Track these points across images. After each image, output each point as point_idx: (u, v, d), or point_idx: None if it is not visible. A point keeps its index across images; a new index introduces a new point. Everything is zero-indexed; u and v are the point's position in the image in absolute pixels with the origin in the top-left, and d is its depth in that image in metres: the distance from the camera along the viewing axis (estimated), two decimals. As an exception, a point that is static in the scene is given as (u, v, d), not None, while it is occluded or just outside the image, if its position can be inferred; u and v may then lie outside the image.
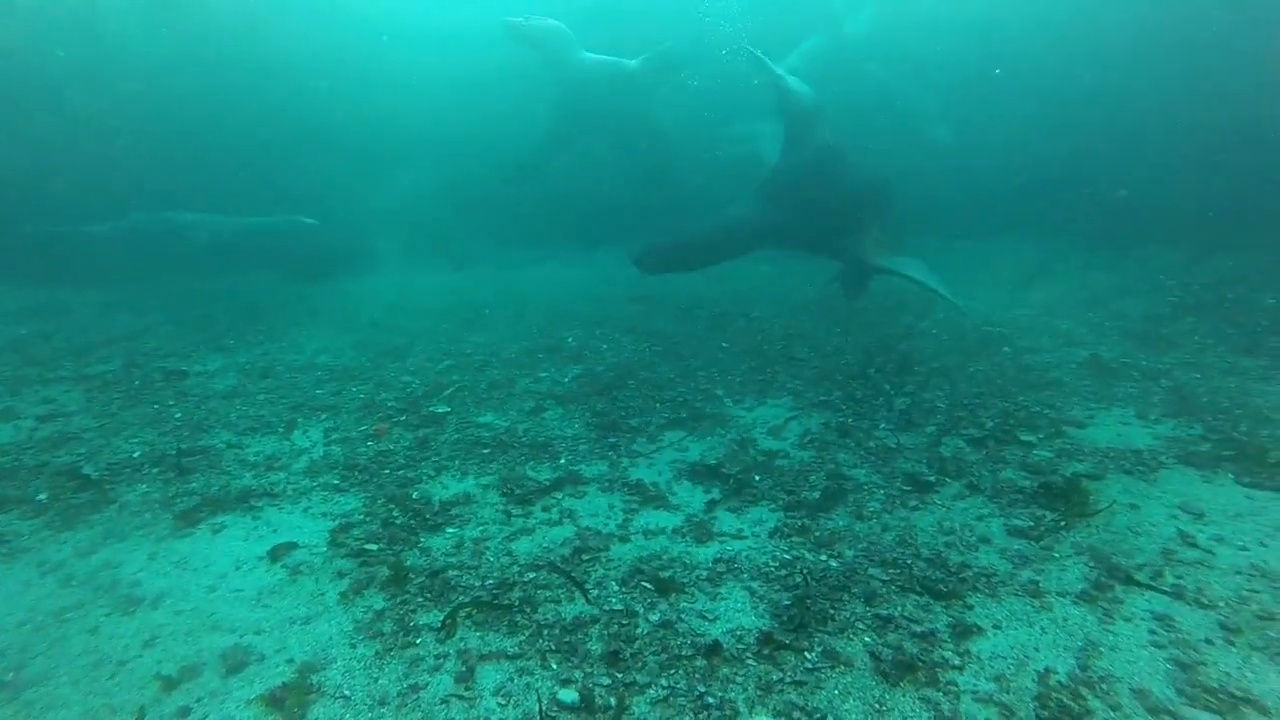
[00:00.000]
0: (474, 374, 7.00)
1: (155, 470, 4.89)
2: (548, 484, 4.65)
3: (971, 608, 3.23)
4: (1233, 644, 2.92)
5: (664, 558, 3.77)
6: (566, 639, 3.10)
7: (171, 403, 6.21)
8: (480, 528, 4.13)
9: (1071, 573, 3.43)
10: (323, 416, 5.91)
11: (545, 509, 4.37)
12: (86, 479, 4.72)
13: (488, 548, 3.88)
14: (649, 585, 3.50)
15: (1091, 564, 3.48)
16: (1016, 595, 3.31)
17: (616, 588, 3.50)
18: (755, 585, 3.48)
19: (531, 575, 3.60)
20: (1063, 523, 3.82)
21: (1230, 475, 4.21)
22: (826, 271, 8.65)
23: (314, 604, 3.42)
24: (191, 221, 11.84)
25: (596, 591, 3.46)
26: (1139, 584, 3.31)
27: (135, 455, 5.12)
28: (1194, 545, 3.59)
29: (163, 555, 3.89)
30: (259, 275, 12.10)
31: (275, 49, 13.03)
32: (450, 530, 4.09)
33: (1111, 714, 2.61)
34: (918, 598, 3.31)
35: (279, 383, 6.78)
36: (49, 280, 10.74)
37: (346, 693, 2.83)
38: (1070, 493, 4.03)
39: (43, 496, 4.52)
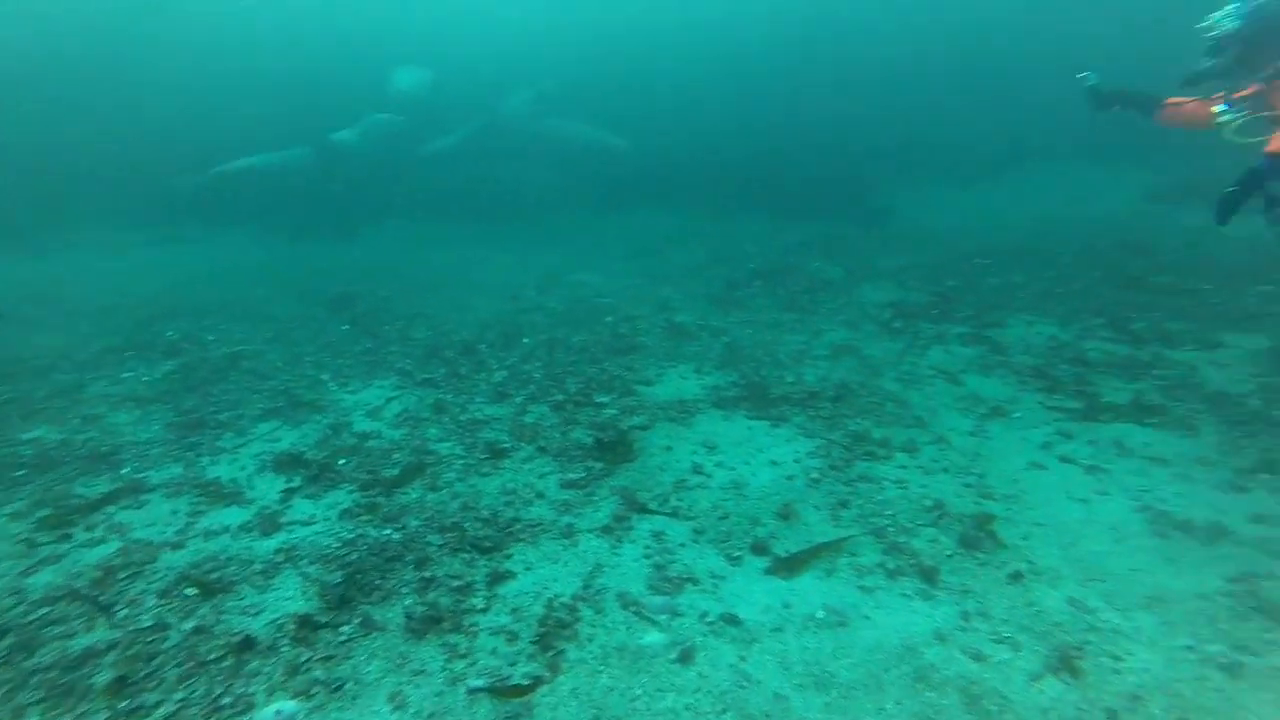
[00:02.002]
0: (30, 383, 5.95)
1: None
2: (98, 499, 4.19)
3: (510, 556, 3.66)
4: (698, 543, 3.72)
5: (221, 558, 3.65)
6: (64, 680, 2.85)
7: None
8: (-11, 565, 3.59)
9: (602, 511, 4.05)
10: None
11: (88, 528, 3.94)
12: None
13: (-12, 590, 3.39)
14: (193, 591, 3.38)
15: (620, 501, 4.14)
16: (554, 539, 3.82)
17: (153, 602, 3.31)
18: (312, 570, 3.55)
19: (43, 611, 3.25)
20: (607, 470, 4.47)
21: (743, 412, 5.27)
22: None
23: None
24: None
25: (126, 611, 3.25)
26: (650, 511, 4.04)
27: None
28: (701, 473, 4.45)
29: None
30: None
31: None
32: (-56, 575, 3.49)
33: (595, 616, 3.19)
34: (466, 556, 3.66)
35: None
36: None
37: None
38: (619, 443, 4.73)
39: None
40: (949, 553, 3.51)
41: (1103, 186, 13.61)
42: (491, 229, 12.86)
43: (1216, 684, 2.68)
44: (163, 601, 3.32)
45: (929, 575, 3.33)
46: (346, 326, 7.37)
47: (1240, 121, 3.98)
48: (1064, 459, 4.39)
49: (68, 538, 3.87)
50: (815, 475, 4.31)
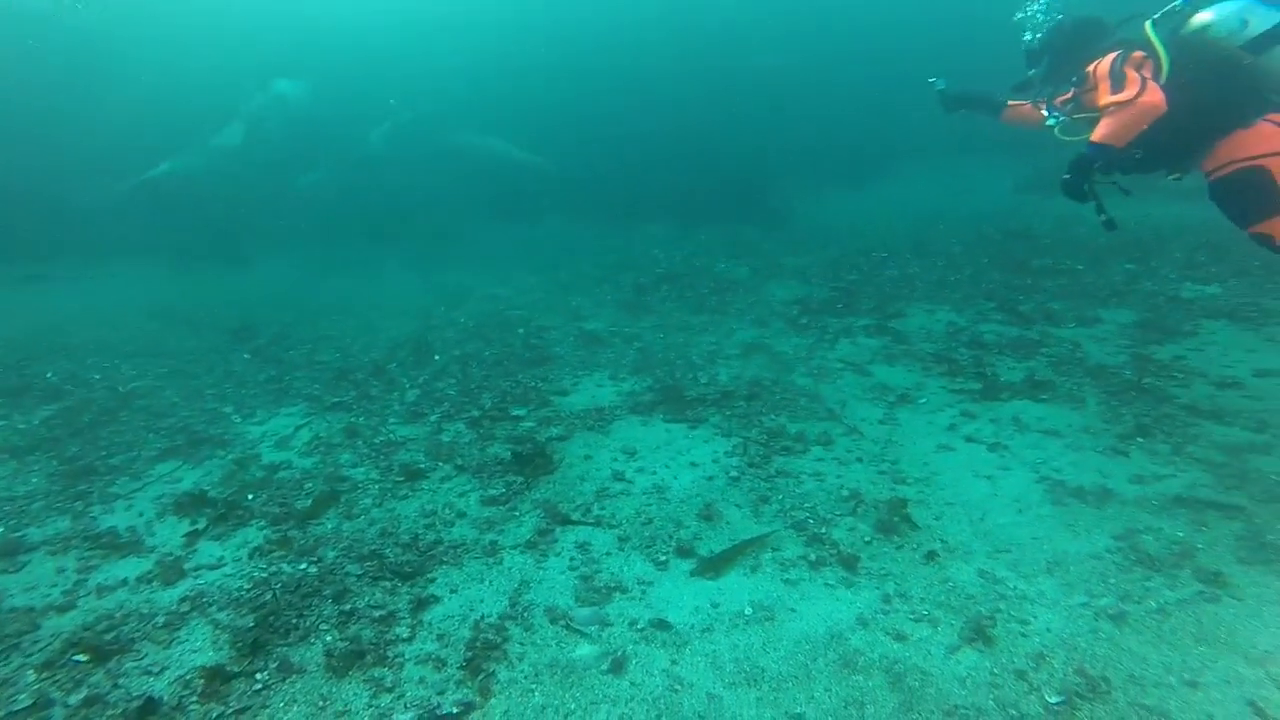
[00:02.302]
0: (-121, 440, 5.38)
1: None
2: (-33, 565, 3.83)
3: (434, 580, 3.57)
4: (624, 550, 3.73)
5: (116, 615, 3.40)
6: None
7: None
8: None
9: (526, 526, 4.00)
10: None
11: (-46, 600, 3.59)
12: None
13: None
14: (83, 658, 3.12)
15: (542, 515, 4.10)
16: (477, 558, 3.74)
17: (32, 678, 3.03)
18: (222, 616, 3.35)
19: (-102, 702, 2.94)
20: (527, 484, 4.43)
21: (660, 416, 5.32)
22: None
23: None
24: None
25: None
26: (573, 522, 4.02)
27: None
28: (622, 480, 4.46)
29: None
30: None
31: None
32: None
33: (524, 633, 3.14)
34: (388, 584, 3.54)
35: None
36: None
37: None
38: (537, 456, 4.68)
39: None
40: (867, 539, 3.64)
41: (980, 179, 14.51)
42: (393, 249, 12.53)
43: (1107, 633, 2.90)
44: (45, 675, 3.04)
45: (850, 563, 3.45)
46: (247, 356, 7.02)
47: (1062, 123, 4.40)
48: (969, 439, 4.64)
49: (-69, 612, 3.51)
50: (735, 474, 4.40)
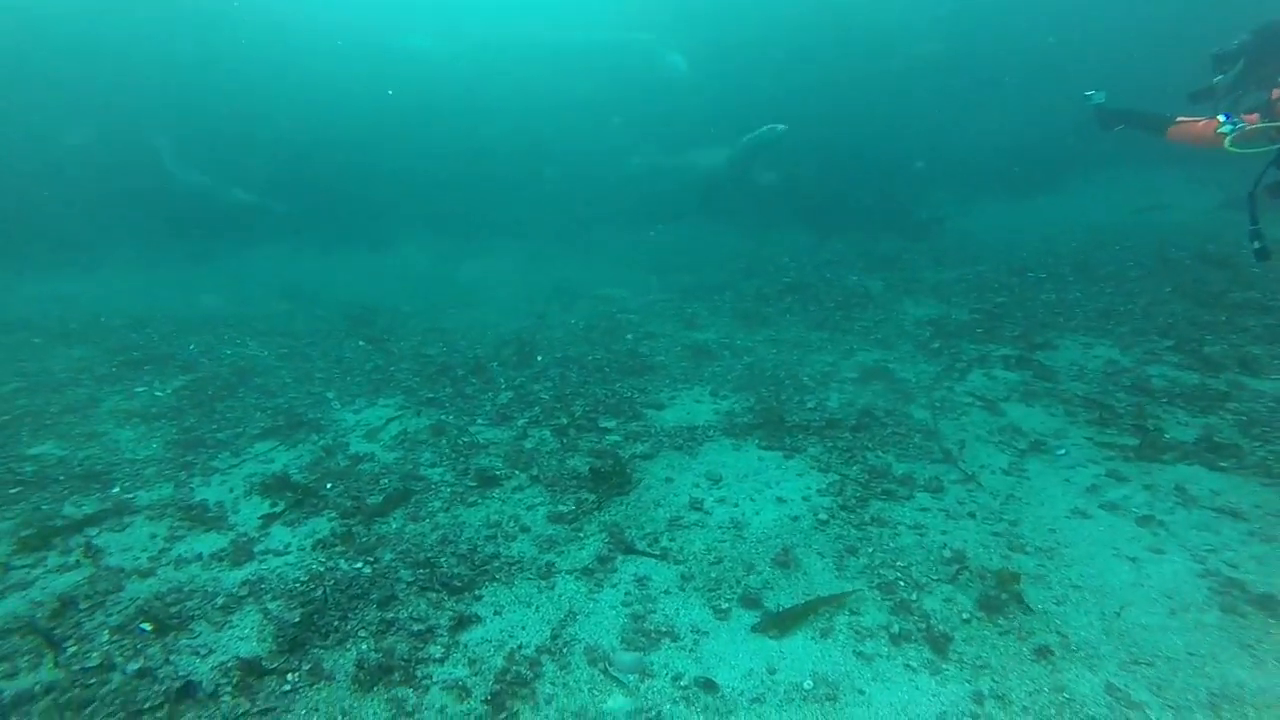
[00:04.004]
0: (47, 397, 6.02)
1: None
2: (82, 520, 4.12)
3: (480, 598, 3.39)
4: (684, 590, 3.38)
5: (185, 590, 3.50)
6: (-11, 725, 2.72)
7: None
8: (-43, 592, 3.51)
9: (587, 550, 3.75)
10: None
11: (64, 552, 3.85)
12: None
13: (-52, 620, 3.30)
14: (148, 627, 3.22)
15: (607, 539, 3.83)
16: (530, 579, 3.54)
17: (105, 638, 3.16)
18: (273, 606, 3.35)
19: (-6, 643, 3.13)
20: (599, 503, 4.17)
21: (755, 441, 4.91)
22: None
23: None
24: None
25: (76, 648, 3.10)
26: (637, 551, 3.72)
27: None
28: (699, 509, 4.10)
29: None
30: None
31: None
32: (-94, 603, 3.42)
33: (559, 672, 2.89)
34: (434, 595, 3.41)
35: None
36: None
37: None
38: (616, 474, 4.42)
39: None
40: (966, 617, 3.08)
41: (1175, 194, 12.66)
42: (528, 245, 12.78)
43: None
44: (115, 638, 3.16)
45: (939, 644, 2.91)
46: (361, 343, 7.28)
47: (1239, 130, 3.86)
48: (1113, 506, 3.87)
49: (42, 561, 3.78)
50: (824, 516, 3.92)
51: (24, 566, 3.74)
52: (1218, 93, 4.09)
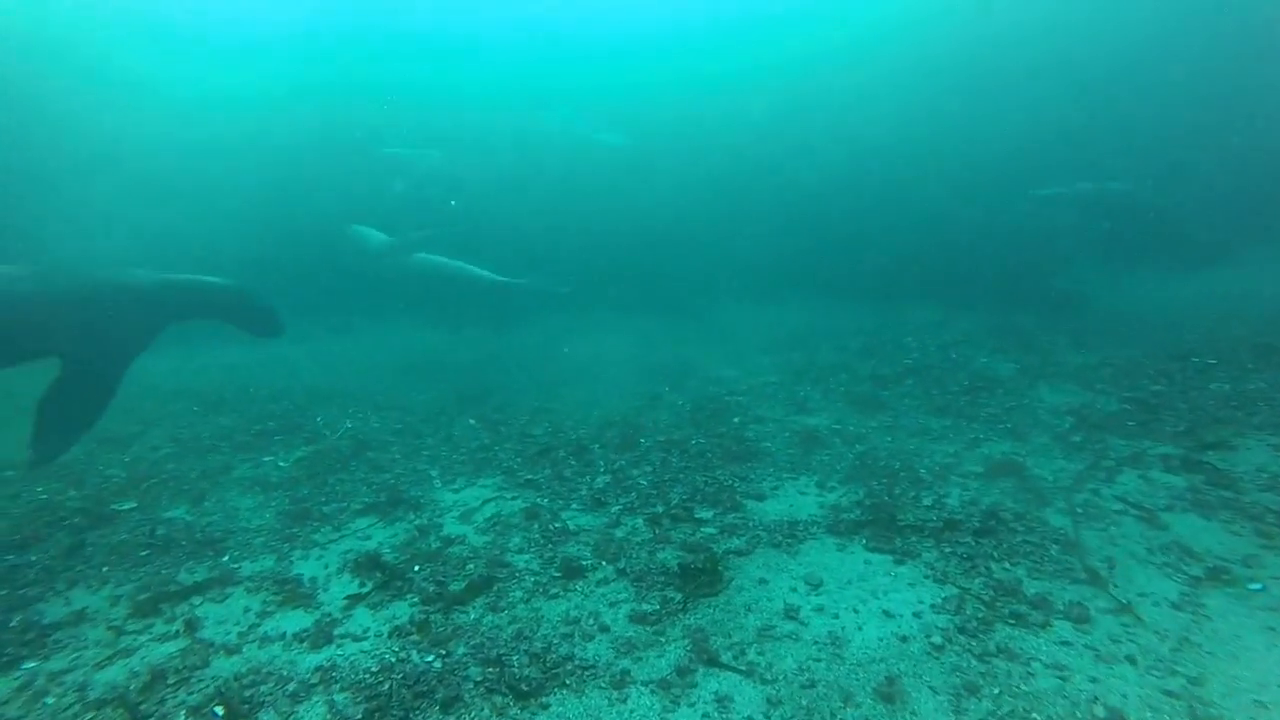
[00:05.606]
0: (191, 461, 6.50)
1: None
2: (190, 588, 4.29)
3: (547, 706, 3.16)
4: (770, 718, 2.99)
5: (263, 671, 3.50)
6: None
7: None
8: (74, 655, 3.70)
9: (668, 658, 3.45)
10: (-30, 519, 5.26)
11: (168, 620, 4.00)
12: None
13: (58, 686, 3.45)
14: (220, 711, 3.21)
15: (690, 647, 3.51)
16: (602, 688, 3.27)
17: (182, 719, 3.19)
18: (340, 698, 3.27)
19: (88, 717, 3.22)
20: (685, 604, 3.87)
21: (861, 541, 4.45)
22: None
23: None
24: None
25: (150, 727, 3.14)
26: (721, 664, 3.37)
27: None
28: (794, 619, 3.70)
29: None
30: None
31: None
32: (28, 665, 3.62)
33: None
34: (500, 699, 3.21)
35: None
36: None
37: None
38: (706, 571, 4.11)
39: None
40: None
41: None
42: (642, 321, 12.86)
43: None
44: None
45: (1081, 825, 2.36)
46: (472, 421, 7.43)
47: None
48: (1330, 660, 3.11)
49: (149, 628, 3.93)
50: (939, 639, 3.40)
51: (134, 632, 3.90)
52: None
